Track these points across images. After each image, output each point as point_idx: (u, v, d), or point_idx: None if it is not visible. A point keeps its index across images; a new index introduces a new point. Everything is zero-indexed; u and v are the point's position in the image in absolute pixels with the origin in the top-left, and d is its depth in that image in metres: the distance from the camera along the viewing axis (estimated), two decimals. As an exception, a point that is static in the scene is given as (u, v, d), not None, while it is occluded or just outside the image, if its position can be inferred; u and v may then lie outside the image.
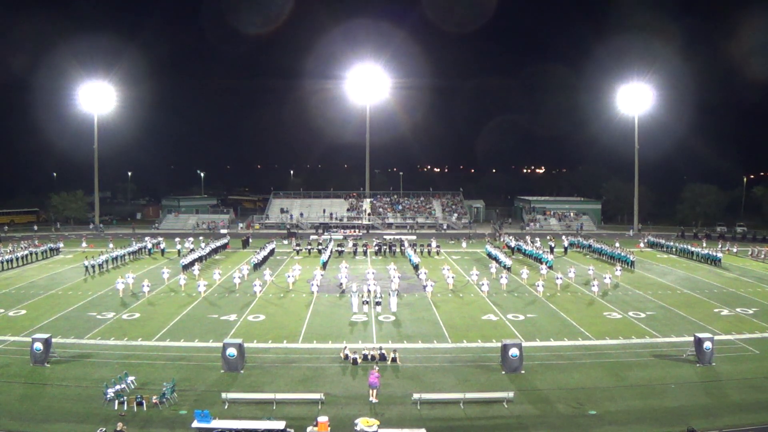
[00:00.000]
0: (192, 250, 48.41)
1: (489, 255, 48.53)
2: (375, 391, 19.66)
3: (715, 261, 45.80)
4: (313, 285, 33.93)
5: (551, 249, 49.84)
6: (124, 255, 47.20)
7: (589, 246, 52.63)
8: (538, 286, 34.97)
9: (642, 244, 56.35)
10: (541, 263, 42.53)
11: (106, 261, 44.05)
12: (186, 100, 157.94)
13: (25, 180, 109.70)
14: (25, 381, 21.22)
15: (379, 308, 29.39)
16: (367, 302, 29.15)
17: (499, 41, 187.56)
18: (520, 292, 35.53)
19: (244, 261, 44.86)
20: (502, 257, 44.34)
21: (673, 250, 52.66)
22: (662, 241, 55.60)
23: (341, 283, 35.35)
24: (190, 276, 38.66)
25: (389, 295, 30.30)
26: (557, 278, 36.69)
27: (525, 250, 50.29)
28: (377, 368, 20.60)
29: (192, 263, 42.18)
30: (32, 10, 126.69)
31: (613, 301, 33.46)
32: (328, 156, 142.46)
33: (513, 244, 53.52)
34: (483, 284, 34.70)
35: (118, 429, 16.18)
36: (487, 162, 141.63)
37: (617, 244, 50.98)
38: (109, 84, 72.24)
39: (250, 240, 58.27)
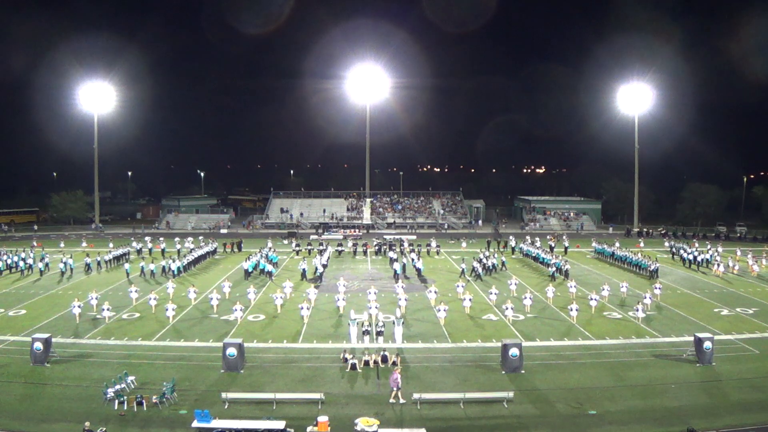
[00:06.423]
0: (192, 250, 48.30)
1: (504, 264, 44.34)
2: (399, 391, 19.59)
3: (698, 264, 44.72)
4: (303, 309, 29.62)
5: (551, 249, 49.84)
6: (125, 254, 47.25)
7: (612, 254, 48.04)
8: (571, 309, 29.64)
9: (642, 243, 56.22)
10: (566, 276, 39.46)
11: (108, 261, 44.11)
12: (186, 100, 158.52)
13: (25, 180, 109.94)
14: (25, 381, 21.22)
15: (380, 339, 25.82)
16: (368, 332, 25.93)
17: (499, 41, 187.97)
18: (549, 316, 30.43)
19: (228, 274, 40.60)
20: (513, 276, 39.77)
21: (693, 258, 45.93)
22: (685, 247, 49.15)
23: (338, 306, 31.40)
24: (163, 295, 33.39)
25: (393, 324, 26.75)
26: (591, 299, 31.38)
27: (542, 258, 45.30)
28: (399, 368, 20.73)
29: (179, 271, 40.12)
30: (32, 10, 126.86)
31: (612, 300, 33.43)
32: (328, 156, 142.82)
33: (513, 244, 53.54)
34: (506, 307, 29.65)
35: (86, 428, 16.40)
36: (487, 162, 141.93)
37: (617, 244, 50.93)
38: (109, 84, 72.36)
39: (242, 243, 55.09)
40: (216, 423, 17.05)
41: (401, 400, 19.52)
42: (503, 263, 44.46)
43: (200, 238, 57.53)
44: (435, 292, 33.48)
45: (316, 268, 40.09)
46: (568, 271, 40.56)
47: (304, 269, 40.68)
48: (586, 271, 44.00)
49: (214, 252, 51.02)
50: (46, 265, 41.56)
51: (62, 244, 56.20)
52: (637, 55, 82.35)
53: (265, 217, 76.45)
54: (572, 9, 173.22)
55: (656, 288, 34.49)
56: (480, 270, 40.88)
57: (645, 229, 67.73)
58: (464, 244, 57.29)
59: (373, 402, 19.67)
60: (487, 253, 46.28)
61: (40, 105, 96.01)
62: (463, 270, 41.74)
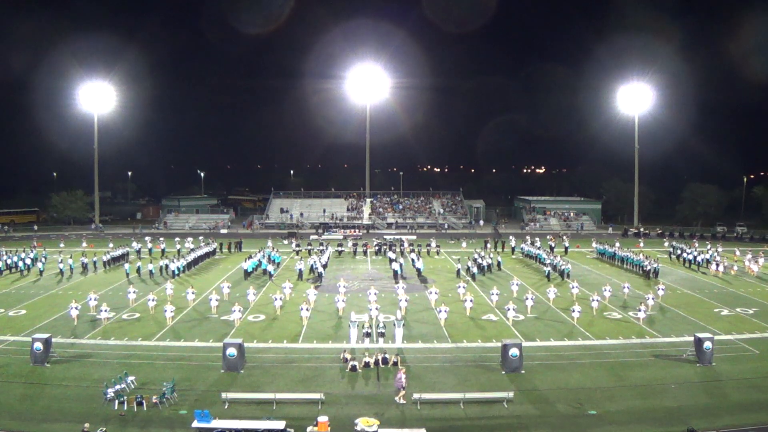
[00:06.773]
0: (192, 250, 48.23)
1: (499, 264, 44.98)
2: (404, 391, 19.56)
3: (698, 264, 44.76)
4: (303, 309, 29.18)
5: (551, 248, 49.82)
6: (125, 254, 47.24)
7: (613, 255, 47.80)
8: (573, 311, 29.40)
9: (642, 244, 56.22)
10: (566, 277, 39.54)
11: (107, 261, 44.16)
12: (186, 100, 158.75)
13: (25, 180, 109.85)
14: (25, 381, 21.22)
15: (381, 340, 25.75)
16: (369, 334, 25.48)
17: (499, 41, 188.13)
18: (550, 317, 30.18)
19: (227, 274, 40.95)
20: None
21: (693, 258, 45.59)
22: (684, 247, 48.61)
23: (338, 308, 30.98)
24: (162, 296, 33.10)
25: (394, 325, 26.45)
26: (593, 299, 31.20)
27: (543, 258, 44.54)
28: (403, 368, 20.71)
29: (178, 272, 40.39)
30: (32, 10, 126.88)
31: (613, 301, 33.42)
32: (328, 156, 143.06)
33: (513, 244, 53.50)
34: (508, 308, 29.35)
35: (85, 429, 16.40)
36: (487, 162, 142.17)
37: (617, 244, 50.89)
38: (109, 84, 72.39)
39: (242, 244, 54.89)
40: (216, 423, 17.05)
41: (402, 401, 19.52)
42: (499, 263, 44.50)
43: (200, 238, 57.51)
44: (436, 292, 33.15)
45: (312, 268, 40.03)
46: (565, 270, 40.51)
47: (300, 269, 40.58)
48: (587, 271, 43.99)
49: (213, 252, 50.92)
50: (43, 265, 41.58)
51: (62, 245, 56.21)
52: (637, 55, 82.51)
53: (265, 217, 76.42)
54: (572, 9, 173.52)
55: (659, 289, 34.40)
56: (474, 269, 40.87)
57: (642, 230, 67.63)
58: (464, 244, 57.27)
59: (373, 402, 19.68)
60: (482, 253, 46.28)
61: (40, 105, 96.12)
62: (458, 270, 41.74)
